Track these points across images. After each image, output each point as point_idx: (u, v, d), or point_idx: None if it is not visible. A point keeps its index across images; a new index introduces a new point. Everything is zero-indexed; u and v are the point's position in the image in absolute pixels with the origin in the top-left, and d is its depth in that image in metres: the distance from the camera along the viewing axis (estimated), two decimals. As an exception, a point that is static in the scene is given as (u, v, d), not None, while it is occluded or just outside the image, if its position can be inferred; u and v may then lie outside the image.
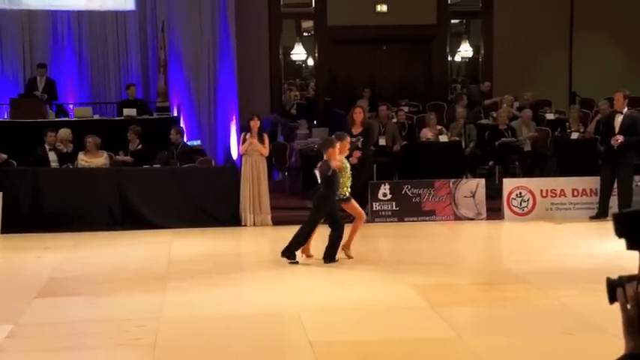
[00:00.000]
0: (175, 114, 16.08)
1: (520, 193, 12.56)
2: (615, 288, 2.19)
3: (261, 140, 12.28)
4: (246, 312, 7.61)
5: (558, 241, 10.98)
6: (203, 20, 16.97)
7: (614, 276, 2.23)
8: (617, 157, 12.11)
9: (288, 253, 9.51)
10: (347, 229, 9.64)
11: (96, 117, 15.31)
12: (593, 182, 12.57)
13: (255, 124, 12.33)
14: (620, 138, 12.00)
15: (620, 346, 2.35)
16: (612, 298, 2.21)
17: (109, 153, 13.26)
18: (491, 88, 18.89)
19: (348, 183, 9.65)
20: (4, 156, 13.26)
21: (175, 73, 16.79)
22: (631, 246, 2.13)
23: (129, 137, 13.70)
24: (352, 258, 9.64)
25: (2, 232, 11.76)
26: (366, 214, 11.97)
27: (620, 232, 2.14)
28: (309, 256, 9.74)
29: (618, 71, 18.60)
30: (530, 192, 12.57)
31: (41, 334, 7.08)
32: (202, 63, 17.03)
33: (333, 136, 9.86)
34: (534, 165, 14.25)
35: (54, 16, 16.57)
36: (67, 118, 15.20)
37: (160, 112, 15.64)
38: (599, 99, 16.17)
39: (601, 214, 12.18)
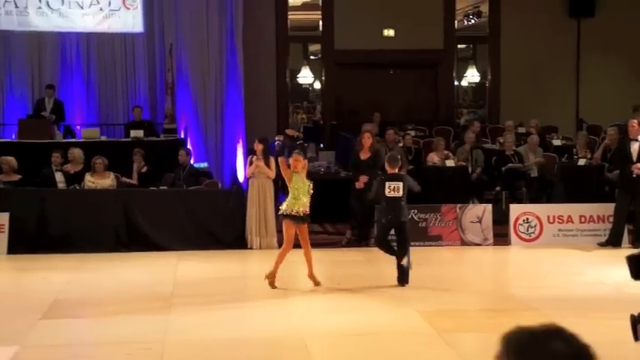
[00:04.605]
0: (182, 136, 16.12)
1: (527, 219, 12.52)
2: (637, 324, 2.17)
3: (267, 163, 12.28)
4: (252, 336, 7.59)
5: (565, 268, 10.93)
6: (211, 43, 17.05)
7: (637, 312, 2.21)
8: (635, 184, 12.02)
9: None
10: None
11: (103, 138, 15.35)
12: (600, 209, 12.52)
13: (258, 146, 12.33)
14: None
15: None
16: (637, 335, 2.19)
17: (115, 174, 13.27)
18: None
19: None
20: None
21: (183, 95, 16.85)
22: None
23: (134, 159, 13.74)
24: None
25: (9, 253, 11.76)
26: (372, 238, 11.97)
27: (636, 274, 2.13)
28: None
29: (625, 98, 18.57)
30: (537, 218, 12.53)
31: (46, 356, 7.06)
32: (210, 85, 17.09)
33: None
34: (541, 191, 14.21)
35: (63, 37, 16.68)
36: (74, 139, 15.26)
37: (167, 133, 15.68)
38: (606, 125, 16.16)
39: (614, 243, 12.00)
